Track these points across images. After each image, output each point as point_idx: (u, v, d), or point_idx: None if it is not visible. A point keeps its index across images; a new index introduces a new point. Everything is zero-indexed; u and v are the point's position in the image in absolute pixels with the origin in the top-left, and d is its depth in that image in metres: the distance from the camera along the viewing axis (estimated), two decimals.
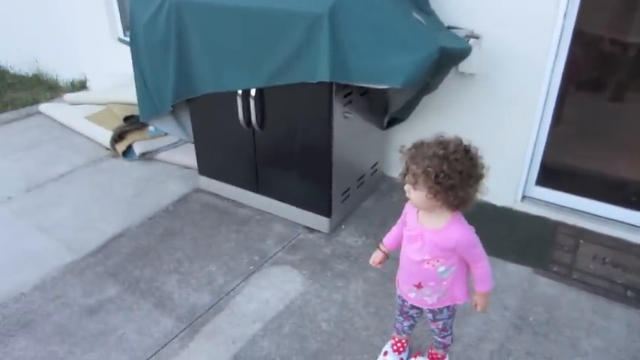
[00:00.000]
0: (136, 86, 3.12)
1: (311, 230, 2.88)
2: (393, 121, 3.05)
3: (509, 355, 2.08)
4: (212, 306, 2.33)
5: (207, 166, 3.23)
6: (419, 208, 1.63)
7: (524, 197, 3.07)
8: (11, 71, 5.70)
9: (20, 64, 5.57)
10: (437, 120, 3.09)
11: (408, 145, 1.55)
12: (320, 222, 2.86)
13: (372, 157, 3.20)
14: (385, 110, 3.06)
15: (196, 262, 2.62)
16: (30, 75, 5.51)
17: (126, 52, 3.11)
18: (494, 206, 3.10)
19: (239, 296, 2.39)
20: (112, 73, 4.51)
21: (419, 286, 1.72)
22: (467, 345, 2.13)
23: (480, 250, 1.63)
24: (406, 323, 1.95)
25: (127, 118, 3.92)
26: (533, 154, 2.93)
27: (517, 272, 2.55)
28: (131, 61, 3.03)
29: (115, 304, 2.34)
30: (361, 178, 3.09)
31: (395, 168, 3.39)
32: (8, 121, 4.39)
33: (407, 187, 1.55)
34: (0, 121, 4.36)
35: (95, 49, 4.74)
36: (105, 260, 2.64)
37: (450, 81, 2.89)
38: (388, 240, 1.87)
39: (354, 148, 2.89)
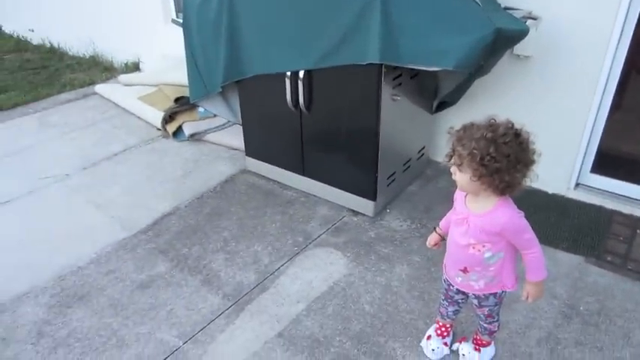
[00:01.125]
0: (187, 67, 3.18)
1: (355, 213, 2.88)
2: (443, 105, 2.98)
3: (558, 344, 2.03)
4: (257, 285, 2.38)
5: (254, 147, 3.27)
6: (464, 191, 1.60)
7: (577, 185, 2.95)
8: (70, 53, 5.93)
9: (78, 45, 5.79)
10: (488, 104, 3.00)
11: (458, 126, 1.51)
12: (365, 205, 2.85)
13: (419, 142, 3.15)
14: (435, 93, 3.00)
15: (242, 242, 2.68)
16: (87, 56, 5.72)
17: (178, 33, 3.16)
18: (545, 193, 3.00)
19: (283, 276, 2.43)
20: (164, 55, 4.62)
21: (465, 270, 1.69)
22: (513, 332, 2.09)
23: (529, 235, 1.58)
24: (451, 308, 1.93)
25: (177, 100, 4.02)
26: (589, 140, 2.81)
27: (568, 261, 2.48)
28: (183, 42, 3.09)
29: (165, 280, 2.43)
30: (407, 162, 3.05)
31: (442, 153, 3.29)
32: (67, 101, 4.59)
33: (453, 168, 1.52)
34: (59, 101, 4.58)
35: (148, 31, 4.85)
36: (155, 238, 2.74)
37: (504, 63, 2.78)
38: (443, 223, 1.86)
39: (401, 132, 2.85)
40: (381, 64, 2.36)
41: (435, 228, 1.88)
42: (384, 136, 2.63)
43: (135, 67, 5.34)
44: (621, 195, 2.84)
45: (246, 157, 3.34)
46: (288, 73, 2.69)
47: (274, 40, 2.65)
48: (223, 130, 3.87)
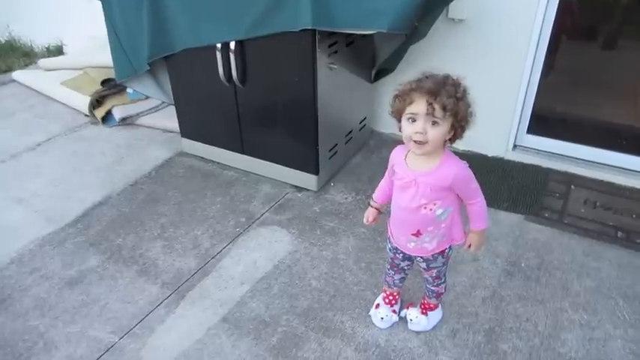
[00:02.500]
0: (110, 45, 2.97)
1: (299, 189, 2.81)
2: (381, 73, 2.93)
3: (502, 301, 2.07)
4: (198, 270, 2.27)
5: (190, 128, 3.13)
6: (430, 151, 1.50)
7: (515, 146, 3.00)
8: None
9: None
10: (426, 70, 2.97)
11: (412, 80, 1.46)
12: (308, 180, 2.78)
13: (360, 112, 3.10)
14: (373, 62, 2.95)
15: (181, 227, 2.55)
16: (2, 42, 5.29)
17: (102, 12, 2.94)
18: (485, 156, 3.04)
19: (226, 259, 2.34)
20: (91, 36, 4.31)
21: (417, 234, 1.66)
22: (459, 293, 2.11)
23: (475, 185, 1.59)
24: (397, 276, 1.91)
25: (104, 82, 3.79)
26: (524, 102, 2.86)
27: (509, 220, 2.52)
28: (104, 19, 2.87)
29: (97, 274, 2.27)
30: (349, 133, 3.00)
31: (384, 123, 3.30)
32: None
33: (422, 126, 1.42)
34: None
35: (71, 10, 4.51)
36: (85, 230, 2.55)
37: (439, 28, 2.77)
38: (378, 195, 1.81)
39: (340, 103, 2.79)
40: (315, 31, 2.28)
41: (369, 203, 1.84)
42: (322, 108, 2.55)
43: (58, 51, 5.00)
44: (556, 153, 2.92)
45: (182, 138, 3.19)
46: (219, 46, 2.55)
47: (201, 11, 2.50)
48: (157, 112, 3.68)
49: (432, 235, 1.66)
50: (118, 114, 3.61)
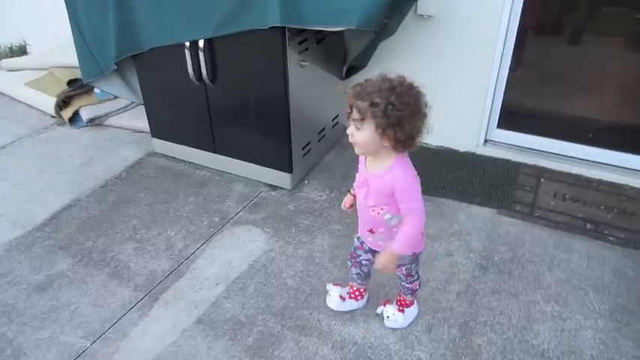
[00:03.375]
0: (75, 44, 2.90)
1: (273, 188, 2.79)
2: (352, 70, 2.93)
3: (476, 295, 2.09)
4: (171, 272, 2.23)
5: (160, 128, 3.07)
6: (364, 152, 1.54)
7: (486, 141, 3.05)
8: None
9: None
10: (396, 67, 2.90)
11: (351, 84, 1.48)
12: (282, 178, 2.76)
13: (332, 110, 3.09)
14: (344, 59, 2.94)
15: (153, 229, 2.50)
16: None
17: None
18: (456, 152, 3.08)
19: (200, 260, 2.30)
20: (56, 35, 4.20)
21: (371, 231, 1.69)
22: (434, 288, 2.12)
23: (415, 204, 1.52)
24: (354, 270, 1.93)
25: (70, 82, 3.68)
26: (494, 96, 2.90)
27: (481, 214, 2.55)
28: (68, 17, 2.79)
29: (67, 278, 2.21)
30: (322, 131, 2.99)
31: None
32: None
33: (350, 129, 1.47)
34: None
35: (35, 8, 4.38)
36: (53, 233, 2.48)
37: (408, 24, 2.79)
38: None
39: (312, 100, 2.78)
40: (284, 28, 2.26)
41: (349, 190, 1.85)
42: (294, 105, 2.54)
43: (21, 51, 4.84)
44: (526, 147, 2.97)
45: (153, 138, 3.13)
46: (187, 44, 2.51)
47: (168, 8, 2.46)
48: (126, 112, 3.61)
49: (383, 236, 1.68)
50: (85, 115, 3.52)
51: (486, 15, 2.65)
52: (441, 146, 3.10)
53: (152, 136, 3.12)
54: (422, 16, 2.77)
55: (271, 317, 2.00)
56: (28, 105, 3.79)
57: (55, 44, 4.15)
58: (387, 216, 1.60)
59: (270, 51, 2.36)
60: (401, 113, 1.39)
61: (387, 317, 1.96)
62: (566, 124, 2.95)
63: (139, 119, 3.36)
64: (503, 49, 2.74)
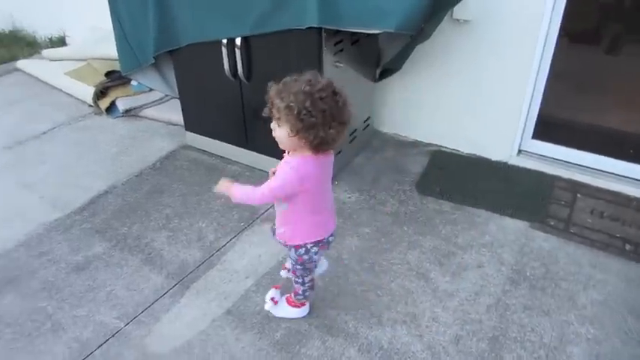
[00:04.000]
0: (116, 38, 2.96)
1: None
2: (386, 73, 2.94)
3: (507, 310, 2.05)
4: (203, 262, 2.27)
5: (194, 121, 3.12)
6: (285, 148, 1.58)
7: (520, 151, 3.01)
8: None
9: None
10: (430, 71, 2.99)
11: (277, 80, 1.51)
12: None
13: (364, 112, 3.10)
14: (377, 61, 2.95)
15: (186, 219, 2.54)
16: (6, 32, 5.27)
17: (105, 4, 2.93)
18: (488, 161, 3.03)
19: (230, 252, 2.33)
20: (94, 27, 4.31)
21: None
22: (463, 299, 2.09)
23: (272, 183, 1.59)
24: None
25: (108, 74, 3.77)
26: (530, 106, 2.85)
27: (513, 227, 2.51)
28: (109, 11, 2.86)
29: (103, 261, 2.27)
30: (353, 133, 3.00)
31: (388, 123, 3.30)
32: None
33: (273, 124, 1.53)
34: None
35: (73, 2, 4.51)
36: (91, 217, 2.55)
37: (444, 29, 2.76)
38: None
39: None
40: (321, 29, 2.28)
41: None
42: None
43: (60, 42, 4.98)
44: (561, 160, 2.91)
45: (186, 131, 3.18)
46: (225, 41, 2.55)
47: (208, 6, 2.50)
48: (161, 104, 3.67)
49: (277, 221, 1.75)
50: (121, 105, 3.60)
51: (525, 21, 2.60)
52: (473, 154, 3.07)
53: (186, 129, 3.17)
54: (458, 20, 2.75)
55: None
56: (67, 94, 3.89)
57: (94, 36, 4.27)
58: (279, 200, 1.67)
59: (307, 51, 2.38)
60: (314, 120, 1.42)
61: (268, 300, 1.99)
62: (605, 137, 2.88)
63: (172, 112, 3.42)
64: (542, 57, 2.69)
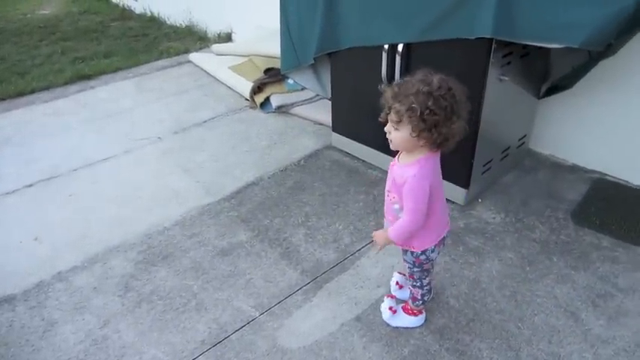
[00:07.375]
0: (281, 37, 3.11)
1: None
2: (554, 90, 2.70)
3: None
4: (337, 264, 2.29)
5: (342, 123, 3.17)
6: (400, 150, 1.59)
7: None
8: (168, 22, 6.13)
9: (176, 15, 5.97)
10: (603, 89, 2.67)
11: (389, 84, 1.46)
12: (456, 193, 2.66)
13: (520, 129, 2.89)
14: (545, 76, 2.72)
15: (323, 219, 2.60)
16: (183, 26, 5.87)
17: (271, 5, 3.10)
18: (626, 184, 2.69)
19: (364, 258, 2.33)
20: (258, 26, 4.62)
21: (385, 217, 1.77)
22: (620, 349, 1.85)
23: (413, 205, 1.56)
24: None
25: (267, 70, 3.99)
26: None
27: None
28: (279, 12, 3.01)
29: (245, 249, 2.41)
30: (506, 150, 2.81)
31: (544, 143, 3.04)
32: (162, 67, 4.74)
33: (388, 127, 1.53)
34: (156, 68, 4.74)
35: (243, 2, 4.87)
36: (238, 206, 2.73)
37: (631, 47, 2.45)
38: None
39: (503, 117, 2.62)
40: (492, 40, 2.14)
41: None
42: (485, 120, 2.42)
43: (227, 38, 5.40)
44: None
45: (333, 132, 3.25)
46: (386, 47, 2.53)
47: (375, 11, 2.50)
48: (310, 103, 3.80)
49: (389, 224, 1.71)
50: (275, 102, 3.79)
51: None
52: (606, 174, 2.73)
53: (332, 130, 3.24)
54: None
55: (429, 334, 1.94)
56: (228, 86, 4.21)
57: (258, 34, 4.55)
58: (396, 206, 1.65)
59: (472, 61, 2.27)
60: (437, 118, 1.42)
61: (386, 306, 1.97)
62: None
63: (321, 112, 3.51)
64: None
